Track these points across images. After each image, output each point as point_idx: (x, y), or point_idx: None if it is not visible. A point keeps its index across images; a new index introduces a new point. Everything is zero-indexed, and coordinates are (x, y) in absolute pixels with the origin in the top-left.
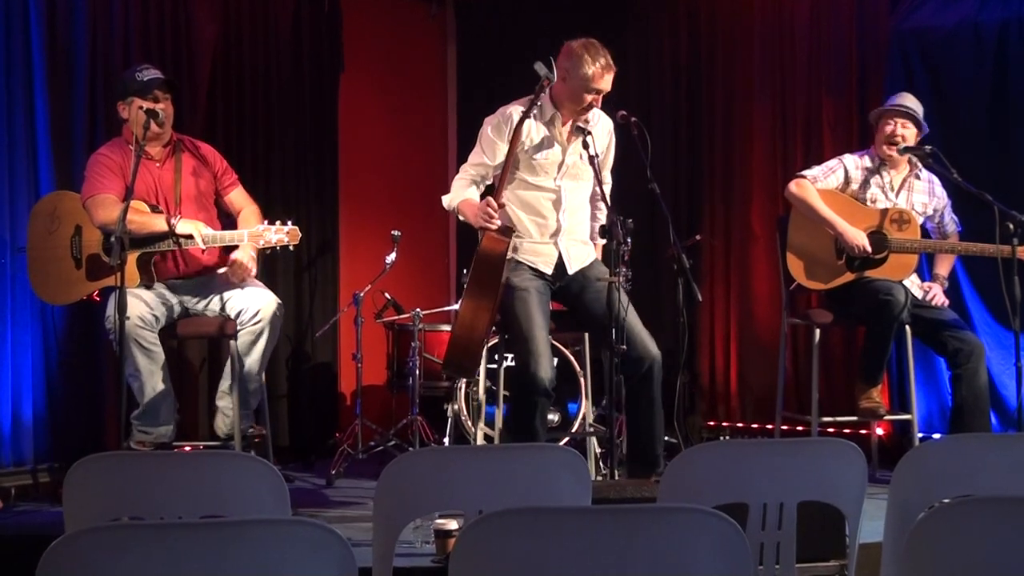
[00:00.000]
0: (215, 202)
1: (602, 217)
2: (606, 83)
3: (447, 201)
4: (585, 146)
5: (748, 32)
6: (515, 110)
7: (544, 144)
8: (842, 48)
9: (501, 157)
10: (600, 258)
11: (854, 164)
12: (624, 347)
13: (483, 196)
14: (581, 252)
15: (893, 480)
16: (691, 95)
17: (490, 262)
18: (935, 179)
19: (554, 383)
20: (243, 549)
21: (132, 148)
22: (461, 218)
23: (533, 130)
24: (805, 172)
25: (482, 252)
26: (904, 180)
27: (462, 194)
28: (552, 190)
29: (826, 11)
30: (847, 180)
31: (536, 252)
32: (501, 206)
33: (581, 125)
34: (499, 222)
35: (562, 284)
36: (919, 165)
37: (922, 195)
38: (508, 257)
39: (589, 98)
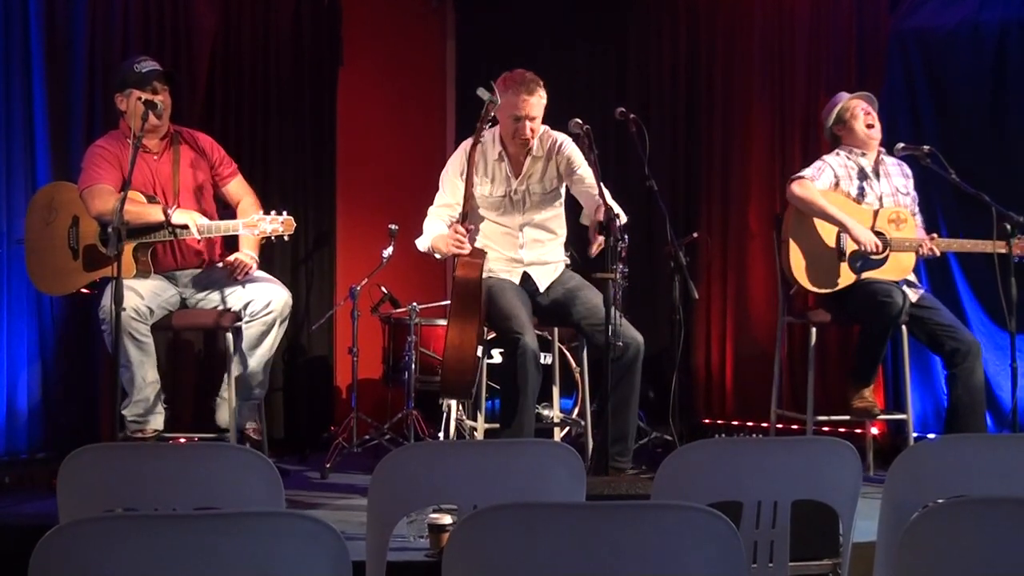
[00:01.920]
0: (214, 194)
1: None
2: (530, 108)
3: (422, 245)
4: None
5: (748, 31)
6: (464, 145)
7: (495, 180)
8: (842, 47)
9: (462, 191)
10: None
11: (836, 162)
12: (620, 343)
13: None
14: (547, 271)
15: (887, 479)
16: (690, 93)
17: (468, 288)
18: (900, 161)
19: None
20: (237, 541)
21: (129, 141)
22: (438, 256)
23: (483, 170)
24: (803, 172)
25: (459, 280)
26: (876, 163)
27: (434, 232)
28: (512, 227)
29: (826, 10)
30: (836, 178)
31: (503, 270)
32: (468, 230)
33: (535, 155)
34: (469, 247)
35: (535, 298)
36: (883, 149)
37: (899, 177)
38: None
39: (516, 125)
